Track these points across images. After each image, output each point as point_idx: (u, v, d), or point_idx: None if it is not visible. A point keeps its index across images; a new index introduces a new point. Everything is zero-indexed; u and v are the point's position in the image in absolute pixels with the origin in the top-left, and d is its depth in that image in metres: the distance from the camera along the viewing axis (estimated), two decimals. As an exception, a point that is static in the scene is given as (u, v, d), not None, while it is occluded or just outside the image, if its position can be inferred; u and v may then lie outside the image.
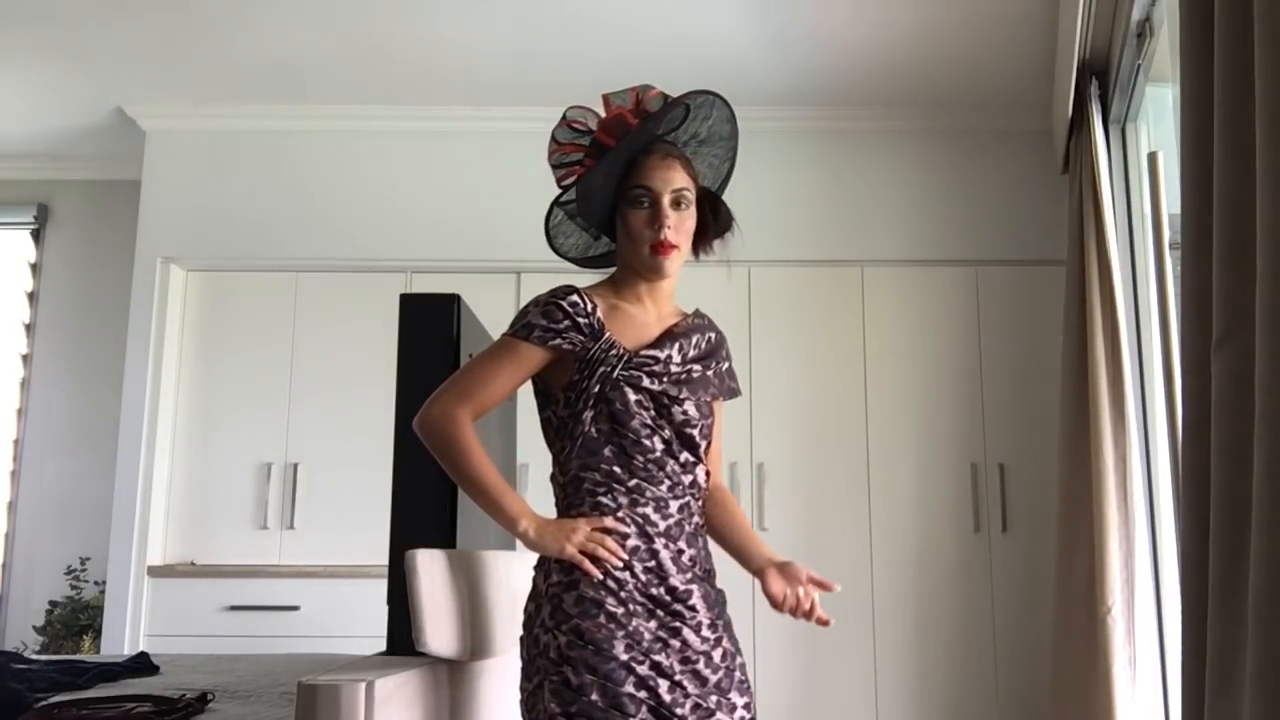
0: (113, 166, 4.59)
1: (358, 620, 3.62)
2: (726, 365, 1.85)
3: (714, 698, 1.63)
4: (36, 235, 4.71)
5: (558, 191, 1.85)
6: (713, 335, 1.83)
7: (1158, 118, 3.05)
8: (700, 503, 1.77)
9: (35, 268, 4.69)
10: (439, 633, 1.82)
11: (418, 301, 2.19)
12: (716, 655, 1.66)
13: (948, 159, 4.12)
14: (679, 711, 1.59)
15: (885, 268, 4.07)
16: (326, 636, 3.68)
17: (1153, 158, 2.82)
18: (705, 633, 1.66)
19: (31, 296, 4.67)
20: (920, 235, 4.08)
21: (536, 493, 3.89)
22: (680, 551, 1.68)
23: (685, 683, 1.61)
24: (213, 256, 4.16)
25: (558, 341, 1.70)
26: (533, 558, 1.75)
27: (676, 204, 1.72)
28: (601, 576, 1.62)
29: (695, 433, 1.72)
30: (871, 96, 4.00)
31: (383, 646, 2.02)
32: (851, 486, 3.93)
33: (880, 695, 3.80)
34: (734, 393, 1.87)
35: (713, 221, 1.81)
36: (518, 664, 2.38)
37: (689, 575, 1.68)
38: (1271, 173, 1.11)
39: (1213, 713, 1.24)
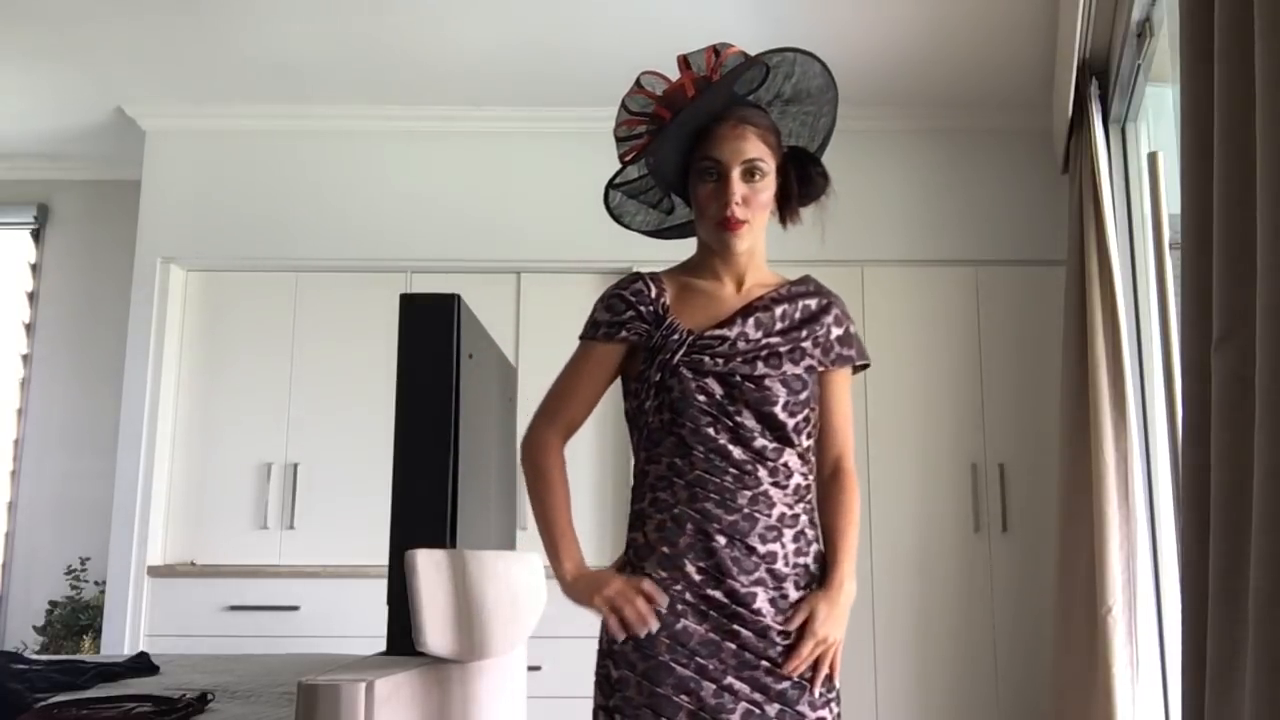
0: (113, 166, 4.60)
1: (358, 620, 3.63)
2: (834, 332, 1.69)
3: (776, 707, 1.54)
4: (36, 235, 4.71)
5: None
6: (813, 302, 1.70)
7: (1158, 118, 3.05)
8: (795, 490, 1.62)
9: (35, 268, 4.69)
10: (439, 633, 1.82)
11: (418, 301, 2.18)
12: (789, 663, 1.56)
13: (948, 159, 4.13)
14: (723, 718, 1.52)
15: (885, 268, 4.07)
16: (326, 636, 3.68)
17: (1153, 158, 2.81)
18: (775, 637, 1.56)
19: (31, 296, 4.67)
20: (920, 235, 4.08)
21: (536, 493, 3.89)
22: (750, 550, 1.57)
23: (738, 687, 1.54)
24: (213, 256, 4.16)
25: (623, 334, 1.66)
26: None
27: (750, 175, 1.62)
28: (624, 637, 1.55)
29: (778, 410, 1.60)
30: (871, 96, 4.00)
31: (383, 646, 2.02)
32: (852, 486, 3.92)
33: (880, 695, 3.80)
34: (845, 360, 1.70)
35: (797, 188, 1.69)
36: (518, 664, 2.39)
37: (756, 576, 1.57)
38: (1271, 173, 1.11)
39: (1213, 713, 1.24)
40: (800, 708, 1.55)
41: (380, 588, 2.09)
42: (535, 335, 4.07)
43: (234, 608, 3.85)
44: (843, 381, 1.72)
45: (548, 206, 4.06)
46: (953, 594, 3.85)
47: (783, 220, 1.73)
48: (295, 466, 4.02)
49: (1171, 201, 2.68)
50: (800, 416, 1.63)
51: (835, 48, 3.72)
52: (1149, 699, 2.84)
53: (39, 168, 4.67)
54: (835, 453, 1.72)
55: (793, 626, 1.57)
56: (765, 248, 1.73)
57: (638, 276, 1.70)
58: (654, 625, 1.55)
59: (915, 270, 4.07)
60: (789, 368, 1.63)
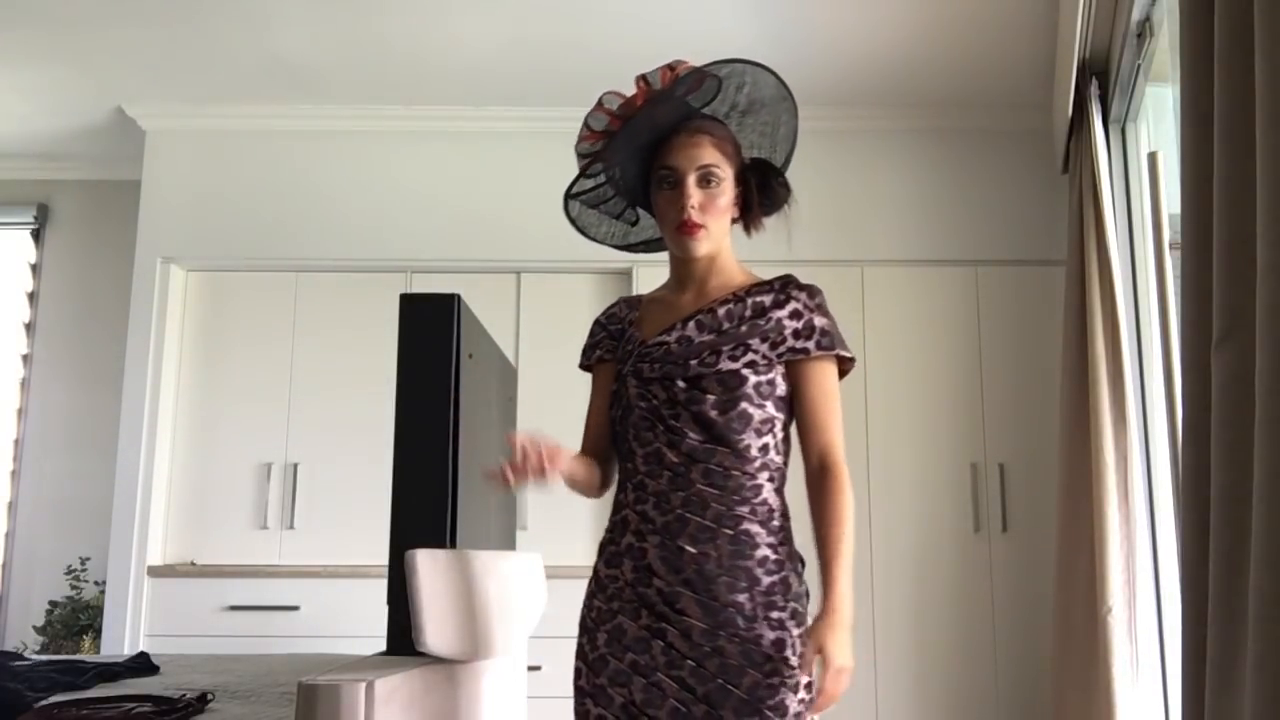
0: (113, 166, 4.59)
1: (358, 620, 3.62)
2: (789, 325, 1.66)
3: (702, 708, 1.54)
4: (36, 235, 4.71)
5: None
6: (767, 298, 1.68)
7: (1158, 118, 3.05)
8: (736, 490, 1.61)
9: (35, 268, 4.69)
10: (439, 633, 1.83)
11: (418, 301, 2.19)
12: (711, 665, 1.56)
13: (948, 159, 4.13)
14: (650, 712, 1.56)
15: (885, 268, 4.07)
16: (326, 636, 3.68)
17: (1153, 158, 2.81)
18: (698, 639, 1.56)
19: (31, 296, 4.67)
20: (920, 235, 4.08)
21: (535, 492, 3.89)
22: (680, 551, 1.59)
23: (665, 684, 1.57)
24: (213, 256, 4.16)
25: (598, 354, 1.79)
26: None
27: (705, 181, 1.66)
28: (505, 479, 1.52)
29: (707, 409, 1.60)
30: (871, 96, 4.00)
31: (383, 646, 2.02)
32: (852, 486, 3.92)
33: (880, 695, 3.80)
34: (799, 352, 1.65)
35: (758, 197, 1.73)
36: (518, 664, 2.39)
37: (683, 576, 1.58)
38: (1271, 173, 1.11)
39: (1213, 713, 1.24)
40: (723, 712, 1.54)
41: (380, 588, 2.09)
42: (535, 335, 4.07)
43: (234, 608, 3.85)
44: (815, 375, 1.67)
45: (548, 206, 4.02)
46: (953, 594, 3.85)
47: (746, 228, 1.77)
48: (295, 466, 4.02)
49: (1171, 201, 2.68)
50: (733, 414, 1.61)
51: (835, 48, 3.74)
52: (1149, 699, 2.84)
53: (39, 168, 4.67)
54: (816, 450, 1.68)
55: (809, 668, 1.54)
56: (730, 254, 1.76)
57: (619, 300, 1.83)
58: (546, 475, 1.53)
59: (915, 270, 4.07)
60: (726, 364, 1.63)
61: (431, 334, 2.12)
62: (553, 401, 4.03)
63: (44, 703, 2.01)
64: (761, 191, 1.74)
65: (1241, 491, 1.20)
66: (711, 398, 1.61)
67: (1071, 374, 3.10)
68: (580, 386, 1.85)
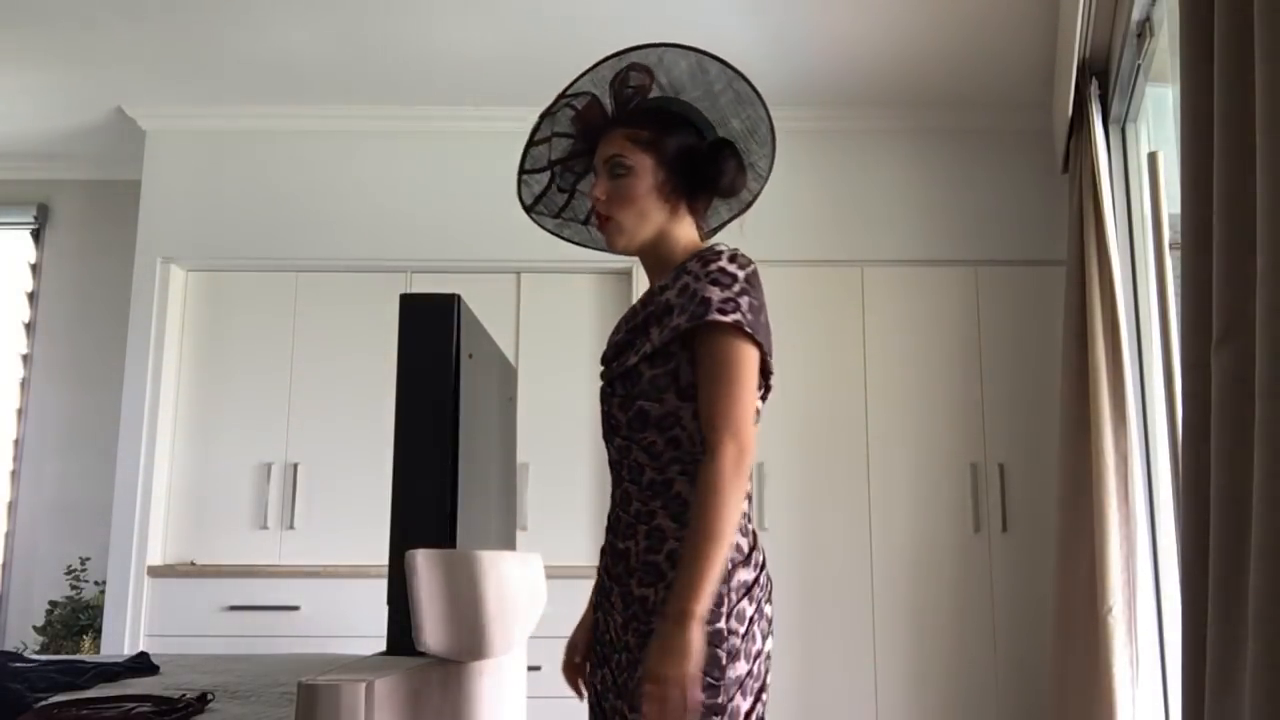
0: (113, 166, 4.60)
1: (358, 620, 3.63)
2: (674, 303, 1.55)
3: (611, 698, 1.59)
4: (36, 235, 4.71)
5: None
6: (670, 278, 1.59)
7: (1158, 118, 3.05)
8: (649, 485, 1.57)
9: (35, 268, 4.69)
10: (439, 633, 1.82)
11: (418, 301, 2.18)
12: (624, 658, 1.57)
13: (948, 159, 4.13)
14: (603, 703, 1.64)
15: (885, 268, 4.07)
16: (326, 636, 3.68)
17: (1153, 158, 2.82)
18: (618, 631, 1.60)
19: (31, 296, 4.67)
20: (920, 235, 4.08)
21: (535, 492, 3.90)
22: (614, 548, 1.64)
23: (606, 675, 1.63)
24: (213, 256, 4.16)
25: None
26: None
27: (612, 172, 1.64)
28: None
29: (614, 409, 1.63)
30: (871, 96, 4.00)
31: (383, 646, 2.02)
32: (851, 486, 3.93)
33: (880, 695, 3.80)
34: (674, 330, 1.53)
35: (677, 168, 1.64)
36: (518, 664, 2.39)
37: (616, 572, 1.62)
38: (1271, 173, 1.11)
39: (1213, 713, 1.24)
40: (619, 701, 1.56)
41: (380, 588, 2.09)
42: (535, 335, 4.07)
43: (234, 608, 3.85)
44: (699, 349, 1.53)
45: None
46: (952, 594, 3.85)
47: (692, 212, 1.69)
48: (295, 466, 4.02)
49: (1171, 201, 2.68)
50: (632, 413, 1.58)
51: (835, 48, 3.74)
52: (1149, 699, 2.84)
53: (39, 168, 4.67)
54: (703, 432, 1.52)
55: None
56: (677, 242, 1.65)
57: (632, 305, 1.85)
58: (579, 691, 1.76)
59: (915, 270, 4.07)
60: (631, 359, 1.59)
61: (431, 334, 2.12)
62: (553, 401, 4.05)
63: (44, 703, 2.01)
64: (693, 168, 1.64)
65: (1241, 491, 1.20)
66: (617, 399, 1.62)
67: (1071, 374, 3.10)
68: (579, 386, 1.86)
